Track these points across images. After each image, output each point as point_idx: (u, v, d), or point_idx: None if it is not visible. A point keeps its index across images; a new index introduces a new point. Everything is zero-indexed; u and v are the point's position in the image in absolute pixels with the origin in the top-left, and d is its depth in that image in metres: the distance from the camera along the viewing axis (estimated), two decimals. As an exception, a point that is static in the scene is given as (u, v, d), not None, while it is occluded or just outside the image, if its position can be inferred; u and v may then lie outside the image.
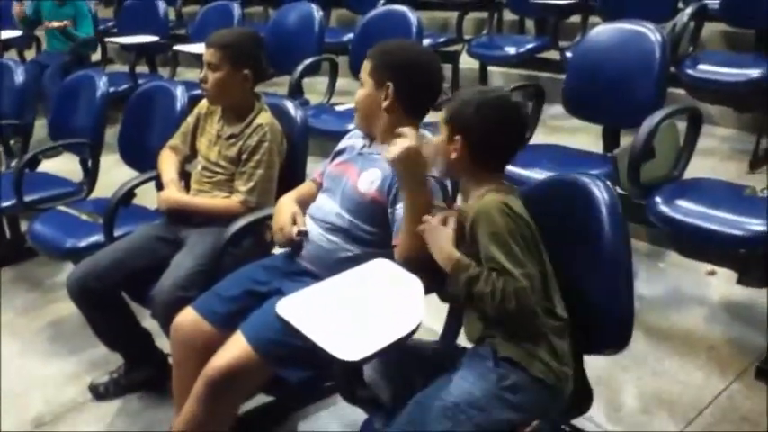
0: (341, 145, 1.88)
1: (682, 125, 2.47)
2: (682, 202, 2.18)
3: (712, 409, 2.01)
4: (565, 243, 1.48)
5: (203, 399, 1.61)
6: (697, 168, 2.53)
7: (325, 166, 1.91)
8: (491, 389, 1.34)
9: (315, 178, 1.94)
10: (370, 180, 1.71)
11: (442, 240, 1.42)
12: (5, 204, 2.81)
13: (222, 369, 1.59)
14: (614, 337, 1.44)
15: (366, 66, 1.76)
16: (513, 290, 1.29)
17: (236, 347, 1.61)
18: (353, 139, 1.86)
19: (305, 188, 1.94)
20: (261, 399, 1.93)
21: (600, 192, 1.44)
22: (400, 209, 1.61)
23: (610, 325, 1.43)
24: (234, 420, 1.72)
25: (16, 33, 4.75)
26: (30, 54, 5.09)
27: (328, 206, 1.76)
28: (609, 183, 1.47)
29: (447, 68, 4.55)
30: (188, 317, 1.78)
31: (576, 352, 1.45)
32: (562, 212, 1.51)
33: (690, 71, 3.29)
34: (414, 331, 1.36)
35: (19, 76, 3.42)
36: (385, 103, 1.71)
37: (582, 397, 1.48)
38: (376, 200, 1.69)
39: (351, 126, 2.11)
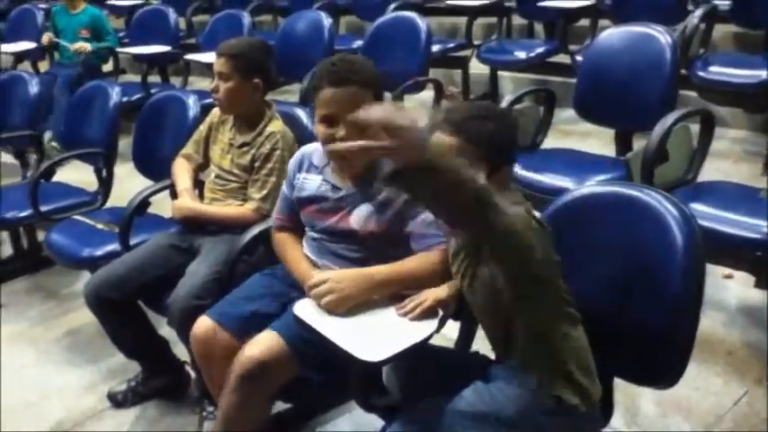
0: (306, 192, 1.75)
1: (694, 127, 2.47)
2: (696, 205, 2.17)
3: (732, 415, 2.00)
4: (617, 263, 1.36)
5: (237, 389, 1.61)
6: (710, 171, 2.52)
7: (282, 210, 1.84)
8: (525, 410, 1.30)
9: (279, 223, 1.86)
10: (362, 216, 1.65)
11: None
12: (22, 215, 2.84)
13: (255, 358, 1.59)
14: (668, 374, 1.34)
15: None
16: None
17: (268, 339, 1.62)
18: (313, 183, 1.75)
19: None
20: (278, 406, 1.94)
21: (673, 217, 1.30)
22: (416, 221, 1.58)
23: (666, 361, 1.32)
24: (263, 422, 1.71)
25: (30, 45, 4.80)
26: (43, 65, 5.14)
27: (330, 248, 1.71)
28: (683, 206, 1.33)
29: (457, 74, 4.56)
30: (204, 325, 1.78)
31: (608, 372, 1.38)
32: (619, 230, 1.38)
33: (701, 73, 3.29)
34: (432, 334, 1.37)
35: (33, 88, 3.45)
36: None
37: (604, 413, 1.44)
38: (375, 233, 1.65)
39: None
